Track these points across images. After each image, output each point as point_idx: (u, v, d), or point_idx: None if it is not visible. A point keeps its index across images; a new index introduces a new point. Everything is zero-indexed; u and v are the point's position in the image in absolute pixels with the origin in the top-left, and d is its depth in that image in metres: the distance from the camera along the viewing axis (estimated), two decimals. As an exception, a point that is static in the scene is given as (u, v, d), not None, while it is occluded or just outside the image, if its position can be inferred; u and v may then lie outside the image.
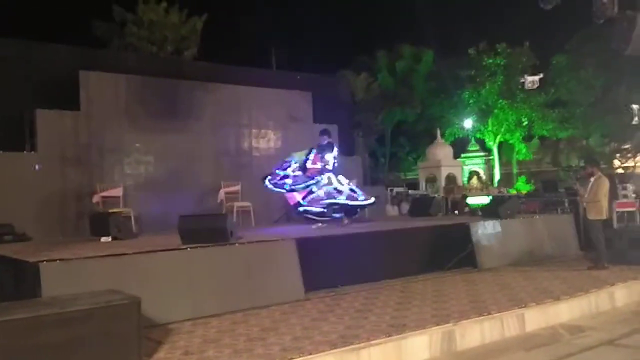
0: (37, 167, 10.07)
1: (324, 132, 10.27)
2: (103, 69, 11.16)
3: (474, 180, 21.75)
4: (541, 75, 23.81)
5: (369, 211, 11.92)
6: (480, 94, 26.74)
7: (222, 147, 12.44)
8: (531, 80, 23.51)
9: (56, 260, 5.73)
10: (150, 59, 18.00)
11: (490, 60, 26.65)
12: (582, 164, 20.62)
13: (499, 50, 26.66)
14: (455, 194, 16.71)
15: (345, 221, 9.93)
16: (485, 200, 15.60)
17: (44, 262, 5.61)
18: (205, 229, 7.00)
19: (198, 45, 23.72)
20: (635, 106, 11.77)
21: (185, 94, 11.89)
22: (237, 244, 7.00)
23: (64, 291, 4.90)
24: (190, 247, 6.61)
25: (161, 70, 12.37)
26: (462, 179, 22.45)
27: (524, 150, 28.29)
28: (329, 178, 10.10)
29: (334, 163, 10.14)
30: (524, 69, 26.65)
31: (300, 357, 4.64)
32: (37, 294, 5.34)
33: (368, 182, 19.67)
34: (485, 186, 19.08)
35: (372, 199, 10.52)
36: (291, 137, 13.10)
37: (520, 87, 25.89)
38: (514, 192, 17.47)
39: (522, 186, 24.56)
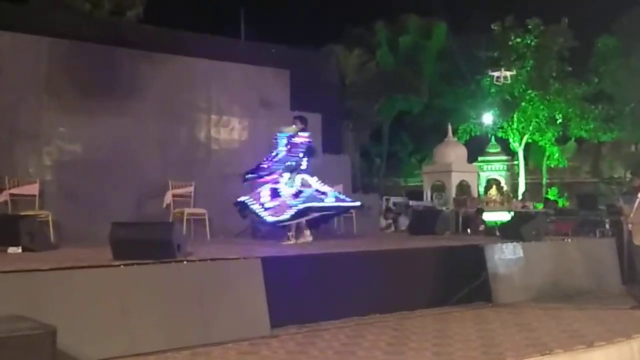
0: None
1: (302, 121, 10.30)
2: (21, 29, 11.06)
3: (493, 190, 21.95)
4: (514, 72, 25.97)
5: (358, 226, 11.96)
6: (505, 81, 26.96)
7: (171, 136, 12.39)
8: (504, 75, 25.74)
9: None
10: (82, 19, 17.84)
11: (519, 40, 26.88)
12: (629, 176, 20.96)
13: (530, 27, 26.87)
14: (468, 207, 16.87)
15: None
16: (505, 217, 15.76)
17: None
18: (145, 241, 6.98)
19: (144, 4, 23.63)
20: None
21: (125, 66, 11.87)
22: (185, 262, 6.97)
23: (-43, 315, 4.85)
24: (125, 264, 6.57)
25: (96, 34, 12.26)
26: (477, 188, 22.66)
27: (556, 155, 28.56)
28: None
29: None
30: (561, 51, 26.88)
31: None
32: None
33: (359, 188, 19.74)
34: (506, 199, 19.26)
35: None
36: (262, 126, 13.09)
37: (553, 75, 26.18)
38: (541, 207, 17.66)
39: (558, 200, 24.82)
